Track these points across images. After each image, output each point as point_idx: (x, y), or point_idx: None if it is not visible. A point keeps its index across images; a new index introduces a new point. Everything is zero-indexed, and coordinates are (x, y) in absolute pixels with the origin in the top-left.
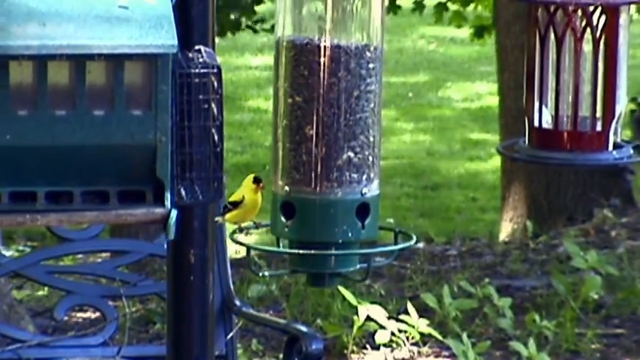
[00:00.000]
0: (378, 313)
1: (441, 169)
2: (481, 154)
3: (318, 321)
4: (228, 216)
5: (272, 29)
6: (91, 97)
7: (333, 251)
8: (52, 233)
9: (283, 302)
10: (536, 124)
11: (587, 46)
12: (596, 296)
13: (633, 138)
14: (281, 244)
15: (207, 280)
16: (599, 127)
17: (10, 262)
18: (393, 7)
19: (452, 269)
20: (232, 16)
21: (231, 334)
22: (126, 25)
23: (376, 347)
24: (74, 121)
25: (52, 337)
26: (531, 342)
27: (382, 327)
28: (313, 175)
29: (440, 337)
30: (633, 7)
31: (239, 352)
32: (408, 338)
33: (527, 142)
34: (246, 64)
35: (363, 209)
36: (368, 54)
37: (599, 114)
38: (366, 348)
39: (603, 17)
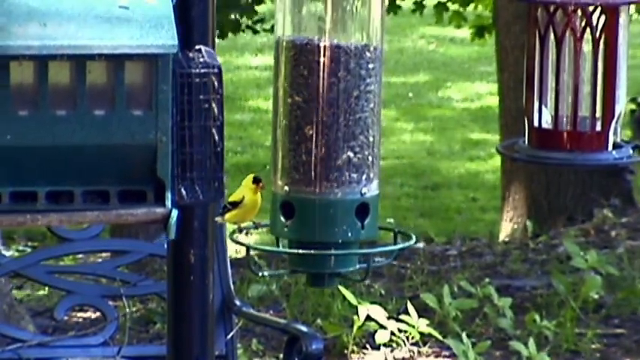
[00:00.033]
0: (378, 313)
1: (441, 169)
2: (481, 154)
3: (318, 321)
4: (227, 216)
5: (272, 29)
6: (91, 97)
7: (333, 251)
8: (53, 233)
9: (283, 302)
10: (535, 124)
11: (586, 46)
12: (596, 296)
13: (633, 138)
14: (281, 244)
15: (207, 280)
16: (598, 127)
17: (10, 262)
18: (393, 7)
19: (452, 269)
20: (232, 16)
21: (231, 334)
22: (126, 25)
23: (376, 347)
24: (75, 121)
25: (52, 337)
26: (531, 342)
27: (382, 327)
28: (313, 175)
29: (440, 337)
30: (633, 7)
31: (239, 352)
32: (408, 338)
33: (527, 142)
34: (246, 64)
35: (362, 209)
36: (368, 54)
37: (598, 114)
38: (366, 348)
39: (603, 17)
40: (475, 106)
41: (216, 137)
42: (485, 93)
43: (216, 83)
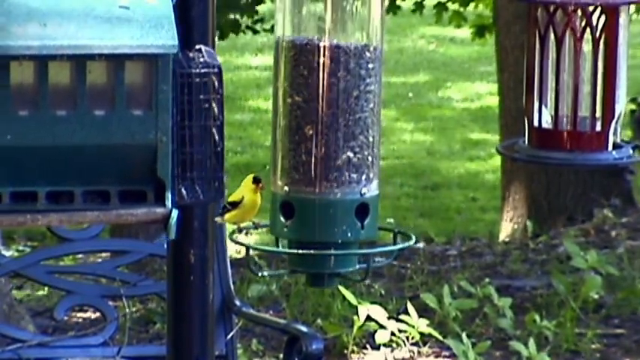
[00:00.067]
0: (378, 313)
1: (441, 169)
2: (481, 154)
3: (318, 321)
4: (227, 216)
5: (272, 29)
6: (91, 97)
7: (333, 251)
8: (52, 233)
9: (283, 302)
10: (535, 124)
11: (586, 46)
12: (596, 296)
13: (633, 138)
14: (280, 244)
15: (207, 280)
16: (598, 127)
17: (10, 262)
18: (393, 7)
19: (452, 269)
20: (232, 16)
21: (231, 334)
22: (127, 25)
23: (376, 347)
24: (75, 121)
25: (52, 337)
26: (531, 342)
27: (382, 327)
28: (313, 175)
29: (440, 337)
30: (633, 6)
31: (239, 352)
32: (408, 338)
33: (527, 142)
34: (246, 64)
35: (362, 209)
36: (367, 54)
37: (598, 114)
38: (366, 348)
39: (603, 17)
40: (475, 106)
41: (217, 137)
42: (485, 93)
43: (216, 83)
